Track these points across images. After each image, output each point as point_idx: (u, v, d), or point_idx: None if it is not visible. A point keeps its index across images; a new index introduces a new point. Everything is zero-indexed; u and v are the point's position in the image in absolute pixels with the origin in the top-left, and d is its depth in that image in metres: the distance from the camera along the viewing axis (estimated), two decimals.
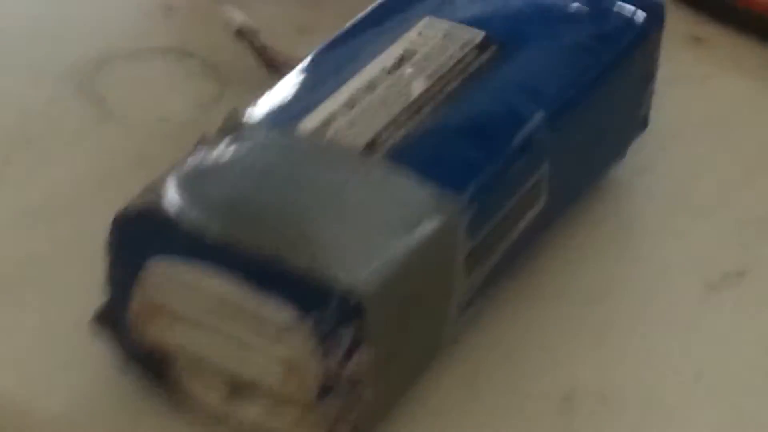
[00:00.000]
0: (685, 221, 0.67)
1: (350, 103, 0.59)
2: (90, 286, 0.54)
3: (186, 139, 0.57)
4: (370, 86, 0.60)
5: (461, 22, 0.64)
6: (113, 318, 0.54)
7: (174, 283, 0.52)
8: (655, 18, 0.67)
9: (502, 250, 0.59)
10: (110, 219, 0.53)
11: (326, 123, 0.57)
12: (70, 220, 0.62)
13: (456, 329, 0.58)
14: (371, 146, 0.56)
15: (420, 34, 0.63)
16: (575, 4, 0.67)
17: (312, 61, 0.63)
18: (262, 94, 0.60)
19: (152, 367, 0.55)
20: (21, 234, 0.65)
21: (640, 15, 0.67)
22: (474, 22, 0.64)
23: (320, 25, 0.68)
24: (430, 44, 0.62)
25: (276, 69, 0.64)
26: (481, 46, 0.62)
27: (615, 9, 0.67)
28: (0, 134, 0.69)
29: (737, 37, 0.78)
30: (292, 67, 0.63)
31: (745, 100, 0.75)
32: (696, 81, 0.76)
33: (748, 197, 0.69)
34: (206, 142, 0.57)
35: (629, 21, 0.67)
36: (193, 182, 0.54)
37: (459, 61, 0.61)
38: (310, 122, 0.57)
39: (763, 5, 0.80)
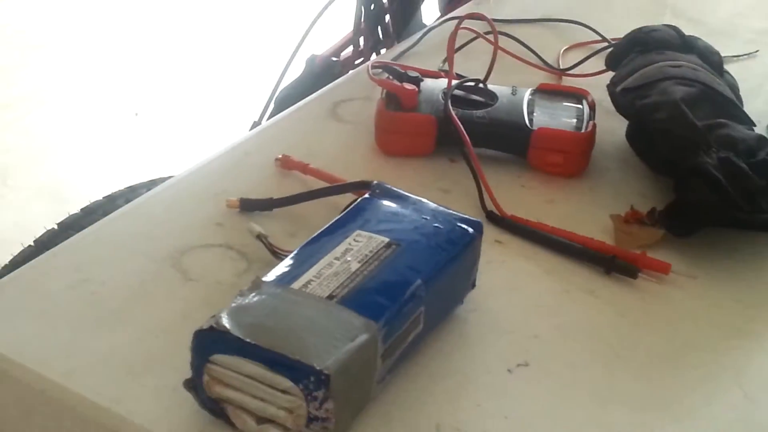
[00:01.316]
0: (483, 332, 0.68)
1: (318, 275, 0.62)
2: (183, 368, 0.57)
3: (230, 292, 0.60)
4: (329, 265, 0.63)
5: (375, 233, 0.66)
6: (194, 384, 0.58)
7: (225, 367, 0.56)
8: (478, 230, 0.69)
9: (399, 351, 0.62)
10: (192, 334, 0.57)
11: (306, 284, 0.61)
12: (170, 336, 0.63)
13: (376, 392, 0.61)
14: (330, 296, 0.60)
15: (354, 239, 0.66)
16: (436, 224, 0.68)
17: (297, 252, 0.65)
18: (271, 269, 0.62)
19: (216, 409, 0.58)
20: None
21: (470, 229, 0.69)
22: (382, 233, 0.66)
23: (301, 233, 0.69)
24: (360, 244, 0.65)
25: (277, 255, 0.66)
26: (387, 245, 0.65)
27: (458, 225, 0.69)
28: (123, 292, 0.68)
29: (522, 241, 0.77)
30: (286, 256, 0.65)
31: (527, 274, 0.75)
32: (499, 264, 0.75)
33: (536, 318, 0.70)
34: (242, 293, 0.60)
35: (465, 231, 0.68)
36: (236, 313, 0.58)
37: (375, 253, 0.64)
38: (297, 284, 0.61)
39: (544, 226, 0.78)
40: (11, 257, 0.93)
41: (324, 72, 1.32)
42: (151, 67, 3.17)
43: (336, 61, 1.39)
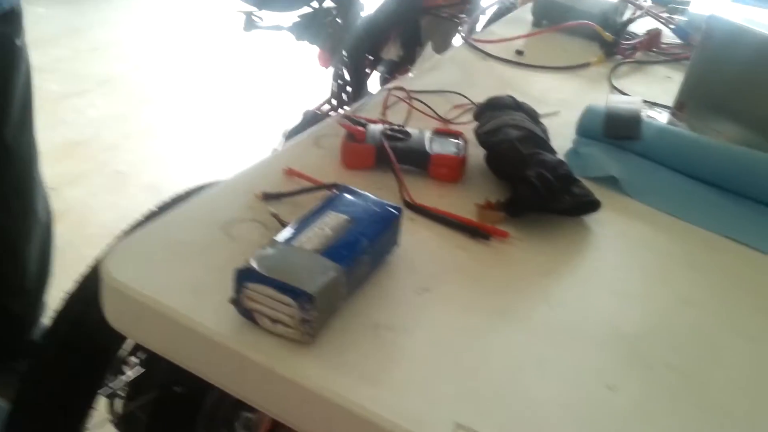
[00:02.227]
0: (402, 271, 0.67)
1: (308, 237, 0.61)
2: (230, 291, 0.57)
3: (256, 247, 0.59)
4: (314, 231, 0.62)
5: (340, 213, 0.65)
6: (236, 299, 0.57)
7: (254, 290, 0.56)
8: (399, 211, 0.68)
9: (354, 281, 0.61)
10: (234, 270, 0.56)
11: (301, 243, 0.60)
12: (223, 272, 0.61)
13: (341, 305, 0.60)
14: (315, 250, 0.59)
15: (328, 216, 0.64)
16: (375, 208, 0.67)
17: (296, 224, 0.63)
18: (280, 233, 0.61)
19: (249, 315, 0.57)
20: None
21: (395, 211, 0.67)
22: (344, 213, 0.65)
23: (298, 212, 0.65)
24: (332, 219, 0.64)
25: (284, 226, 0.63)
26: (347, 221, 0.64)
27: (387, 208, 0.67)
28: (195, 247, 0.66)
29: (424, 219, 0.75)
30: (289, 226, 0.63)
31: (427, 238, 0.73)
32: (411, 232, 0.73)
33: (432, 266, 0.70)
34: (263, 247, 0.59)
35: (392, 212, 0.67)
36: (259, 258, 0.57)
37: (340, 224, 0.63)
38: (296, 242, 0.60)
39: (438, 210, 0.76)
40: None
41: (313, 119, 1.30)
42: (224, 104, 3.11)
43: (319, 113, 1.37)
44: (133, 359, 0.94)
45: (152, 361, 0.92)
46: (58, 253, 1.47)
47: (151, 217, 0.79)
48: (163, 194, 0.93)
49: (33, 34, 1.23)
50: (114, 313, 0.63)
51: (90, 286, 0.86)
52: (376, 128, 0.86)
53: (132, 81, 3.28)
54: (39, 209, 1.33)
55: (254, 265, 0.57)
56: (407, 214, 0.76)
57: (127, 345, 0.94)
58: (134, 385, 0.92)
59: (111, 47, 3.60)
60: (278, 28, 1.29)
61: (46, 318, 1.47)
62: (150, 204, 0.92)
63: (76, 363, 0.89)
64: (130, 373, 0.93)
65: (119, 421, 0.94)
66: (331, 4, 1.28)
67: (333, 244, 0.61)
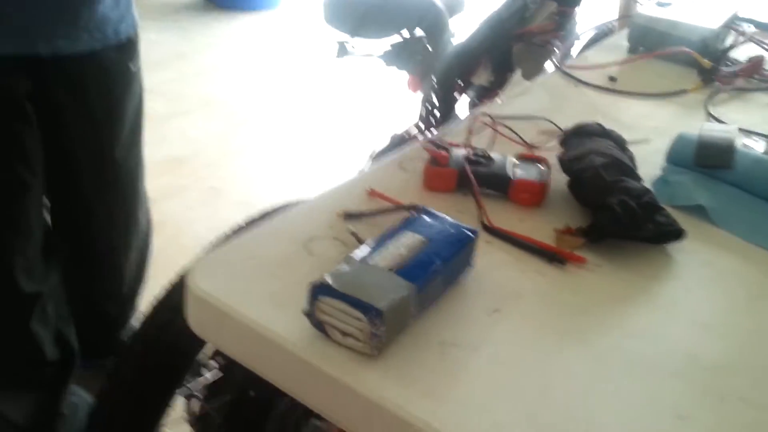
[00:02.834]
0: (475, 292, 0.68)
1: (383, 256, 0.63)
2: (302, 303, 0.59)
3: (334, 264, 0.62)
4: (390, 250, 0.64)
5: (416, 233, 0.66)
6: (310, 312, 0.59)
7: (327, 304, 0.58)
8: (475, 234, 0.69)
9: (425, 300, 0.63)
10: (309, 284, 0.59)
11: (376, 261, 0.62)
12: (300, 286, 0.63)
13: (410, 322, 0.61)
14: (389, 268, 0.61)
15: (405, 236, 0.66)
16: (451, 230, 0.68)
17: (373, 242, 0.65)
18: (357, 251, 0.64)
19: (321, 328, 0.59)
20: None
21: (470, 233, 0.69)
22: (420, 233, 0.66)
23: (376, 231, 0.68)
24: (408, 238, 0.66)
25: (362, 243, 0.65)
26: (422, 240, 0.65)
27: (463, 230, 0.69)
28: (275, 261, 0.70)
29: (502, 242, 0.76)
30: (366, 244, 0.65)
31: (504, 261, 0.74)
32: (487, 254, 0.74)
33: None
34: (339, 264, 0.61)
35: (467, 234, 0.68)
36: (334, 274, 0.59)
37: (415, 244, 0.65)
38: (371, 260, 0.62)
39: (516, 234, 0.78)
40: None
41: (401, 143, 1.33)
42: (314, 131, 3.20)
43: (407, 136, 1.40)
44: (212, 363, 0.99)
45: (229, 366, 0.96)
46: (153, 260, 1.55)
47: (238, 231, 0.83)
48: (254, 209, 0.97)
49: (143, 59, 1.30)
50: (196, 320, 0.67)
51: (177, 295, 0.92)
52: (459, 153, 0.88)
53: (231, 102, 3.43)
54: (141, 221, 1.42)
55: (329, 280, 0.59)
56: (485, 236, 0.77)
57: (207, 349, 0.98)
58: (211, 387, 0.97)
59: (214, 71, 3.78)
60: (369, 55, 1.34)
61: (136, 321, 1.55)
62: (240, 218, 0.97)
63: (157, 364, 0.94)
64: (209, 376, 0.98)
65: (195, 420, 0.99)
66: (422, 33, 1.32)
67: (407, 263, 0.63)
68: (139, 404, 0.96)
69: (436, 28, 1.32)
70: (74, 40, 1.10)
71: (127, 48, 1.22)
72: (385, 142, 1.40)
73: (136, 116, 1.29)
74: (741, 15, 1.57)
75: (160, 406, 0.96)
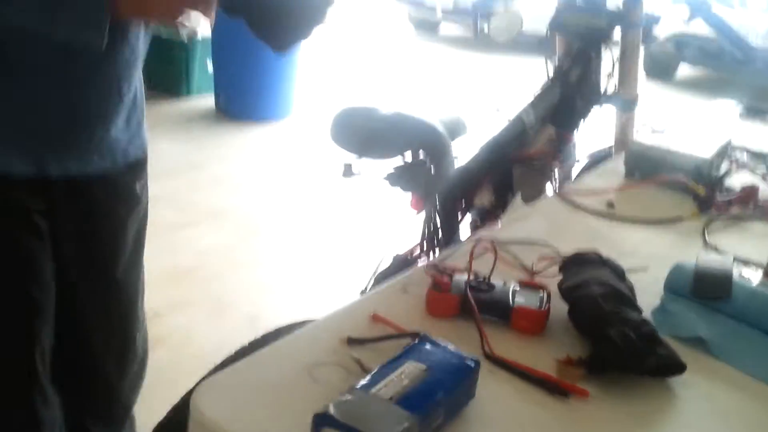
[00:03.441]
0: (478, 424, 0.68)
1: (386, 385, 0.63)
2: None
3: (338, 392, 0.62)
4: (392, 380, 0.64)
5: (419, 362, 0.66)
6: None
7: None
8: (477, 363, 0.69)
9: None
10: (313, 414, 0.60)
11: (378, 390, 0.63)
12: (305, 414, 0.63)
13: None
14: (390, 398, 0.62)
15: (408, 365, 0.67)
16: (453, 359, 0.69)
17: (376, 371, 0.66)
18: (361, 380, 0.63)
19: None
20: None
21: (472, 363, 0.69)
22: (423, 362, 0.67)
23: (380, 359, 0.69)
24: (410, 368, 0.66)
25: (365, 371, 0.66)
26: (425, 370, 0.66)
27: (465, 360, 0.69)
28: (281, 388, 0.70)
29: (503, 372, 0.77)
30: (370, 373, 0.65)
31: (506, 392, 0.74)
32: (489, 384, 0.74)
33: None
34: (342, 394, 0.62)
35: (469, 365, 0.69)
36: (337, 405, 0.60)
37: (418, 374, 0.65)
38: (374, 390, 0.63)
39: (517, 363, 0.79)
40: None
41: (403, 264, 1.34)
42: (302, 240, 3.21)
43: (409, 258, 1.41)
44: None
45: None
46: (156, 373, 1.52)
47: (242, 353, 0.83)
48: (260, 324, 0.97)
49: (155, 168, 1.32)
50: None
51: (181, 416, 0.90)
52: (461, 278, 0.89)
53: (241, 213, 3.45)
54: (138, 347, 1.38)
55: (332, 410, 0.60)
56: (486, 365, 0.77)
57: None
58: None
59: (224, 181, 3.82)
60: (374, 177, 1.37)
61: None
62: (247, 333, 0.96)
63: None
64: None
65: None
66: (424, 155, 1.36)
67: (409, 393, 0.64)
68: None
69: (437, 150, 1.36)
70: (85, 163, 1.11)
71: (135, 169, 1.23)
72: (388, 262, 1.42)
73: (138, 236, 1.28)
74: (734, 143, 1.61)
75: None
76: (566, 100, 1.54)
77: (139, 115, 1.17)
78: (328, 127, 1.47)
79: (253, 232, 3.30)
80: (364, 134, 1.34)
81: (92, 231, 1.18)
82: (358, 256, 3.01)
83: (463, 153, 1.47)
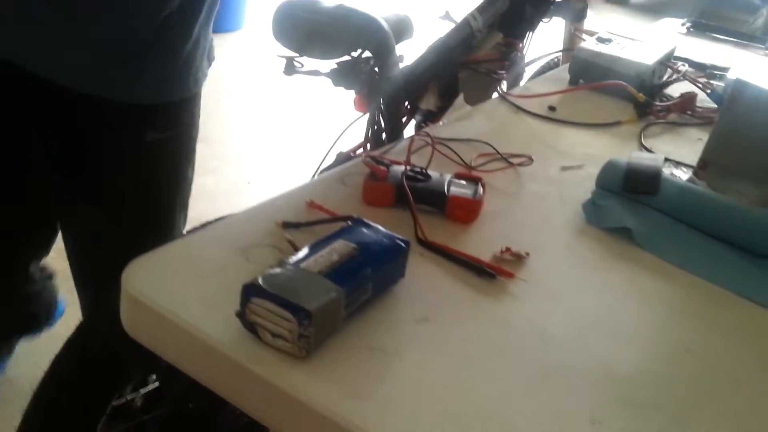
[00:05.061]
0: (404, 300, 0.69)
1: (315, 261, 0.64)
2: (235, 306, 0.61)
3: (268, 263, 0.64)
4: (321, 256, 0.65)
5: (349, 241, 0.67)
6: (242, 313, 0.60)
7: (258, 305, 0.59)
8: (407, 245, 0.70)
9: (355, 305, 0.64)
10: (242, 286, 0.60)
11: (307, 265, 0.63)
12: (234, 289, 0.62)
13: (340, 326, 0.62)
14: (319, 272, 0.62)
15: (338, 243, 0.67)
16: (384, 240, 0.70)
17: (306, 249, 0.66)
18: (291, 256, 0.64)
19: (252, 329, 0.60)
20: None
21: (403, 243, 0.70)
22: (353, 242, 0.67)
23: (312, 239, 0.69)
24: (340, 246, 0.67)
25: (297, 250, 0.66)
26: (354, 248, 0.66)
27: (396, 241, 0.70)
28: (214, 266, 0.69)
29: (434, 255, 0.78)
30: (300, 250, 0.66)
31: (434, 273, 0.75)
32: (420, 266, 0.75)
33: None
34: (272, 267, 0.62)
35: (399, 245, 0.70)
36: (266, 277, 0.60)
37: (347, 251, 0.66)
38: (303, 265, 0.63)
39: (448, 247, 0.79)
40: None
41: (346, 162, 1.33)
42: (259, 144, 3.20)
43: (353, 155, 1.41)
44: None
45: (168, 376, 0.95)
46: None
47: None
48: (198, 222, 0.97)
49: None
50: (131, 322, 0.67)
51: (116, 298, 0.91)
52: (398, 169, 0.90)
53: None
54: None
55: (260, 281, 0.60)
56: (419, 249, 0.79)
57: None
58: (149, 398, 0.95)
59: None
60: (316, 73, 1.35)
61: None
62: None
63: (93, 371, 0.92)
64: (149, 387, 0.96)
65: (130, 431, 0.97)
66: (369, 54, 1.34)
67: (338, 268, 0.64)
68: (71, 411, 0.94)
69: (382, 50, 1.34)
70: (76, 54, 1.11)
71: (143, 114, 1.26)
72: (331, 159, 1.42)
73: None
74: (677, 54, 1.63)
75: (96, 411, 0.94)
76: (515, 6, 1.52)
77: (162, 69, 1.17)
78: (270, 24, 1.44)
79: (203, 138, 3.25)
80: (305, 30, 1.31)
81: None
82: (301, 156, 3.04)
83: (409, 55, 1.45)
